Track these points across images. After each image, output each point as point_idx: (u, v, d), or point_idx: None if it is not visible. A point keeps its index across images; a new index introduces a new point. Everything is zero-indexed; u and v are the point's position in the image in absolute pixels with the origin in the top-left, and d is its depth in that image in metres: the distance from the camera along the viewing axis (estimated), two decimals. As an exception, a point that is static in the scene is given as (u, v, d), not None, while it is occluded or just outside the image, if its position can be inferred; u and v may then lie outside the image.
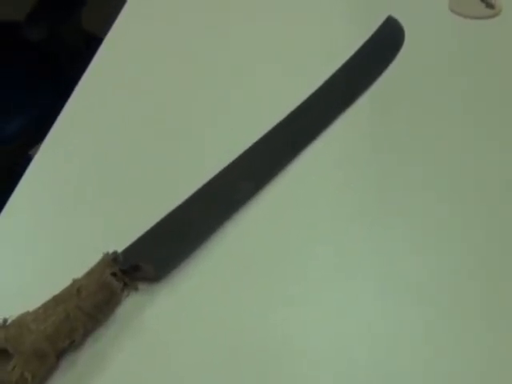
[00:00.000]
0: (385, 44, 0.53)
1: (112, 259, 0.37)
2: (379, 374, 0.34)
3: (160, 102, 0.50)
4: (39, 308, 0.34)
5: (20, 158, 0.90)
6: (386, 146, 0.46)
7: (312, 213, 0.42)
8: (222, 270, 0.39)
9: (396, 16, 0.55)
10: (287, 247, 0.40)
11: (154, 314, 0.37)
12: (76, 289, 0.35)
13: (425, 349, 0.35)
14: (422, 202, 0.42)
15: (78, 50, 0.90)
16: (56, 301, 0.34)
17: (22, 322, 0.33)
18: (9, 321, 0.33)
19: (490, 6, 0.56)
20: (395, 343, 0.35)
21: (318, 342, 0.36)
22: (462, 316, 0.36)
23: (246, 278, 0.39)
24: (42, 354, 0.33)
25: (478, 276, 0.38)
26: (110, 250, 0.37)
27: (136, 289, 0.37)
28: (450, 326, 0.36)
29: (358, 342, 0.35)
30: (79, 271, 0.36)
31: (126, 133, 0.48)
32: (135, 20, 0.58)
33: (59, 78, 0.89)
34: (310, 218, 0.41)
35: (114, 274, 0.36)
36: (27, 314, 0.34)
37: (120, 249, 0.38)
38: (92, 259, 0.37)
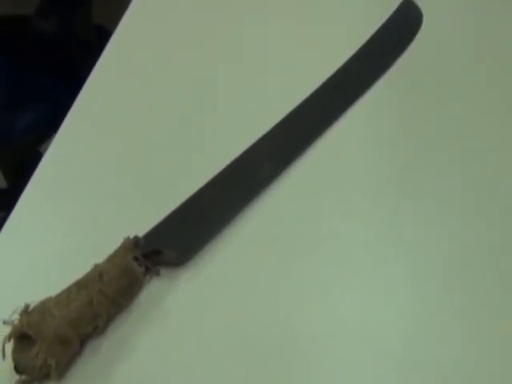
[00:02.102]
0: (403, 25, 0.52)
1: (133, 243, 0.36)
2: (411, 359, 0.33)
3: (173, 89, 0.49)
4: (61, 293, 0.34)
5: (30, 155, 0.90)
6: (406, 127, 0.45)
7: (337, 194, 0.41)
8: (245, 255, 0.38)
9: (413, -2, 0.54)
10: (311, 230, 0.39)
11: (177, 300, 0.36)
12: (98, 273, 0.34)
13: (458, 334, 0.34)
14: (449, 184, 0.41)
15: (89, 44, 0.90)
16: (78, 286, 0.34)
17: (44, 307, 0.33)
18: (31, 306, 0.33)
19: (509, -15, 0.55)
20: (427, 328, 0.34)
21: (347, 328, 0.35)
22: (495, 300, 0.35)
23: (270, 262, 0.38)
24: (65, 340, 0.32)
25: (508, 257, 0.37)
26: (131, 235, 0.37)
27: (158, 274, 0.37)
28: (483, 311, 0.35)
29: (388, 328, 0.35)
30: (100, 257, 0.35)
31: (141, 121, 0.47)
32: (145, 12, 0.58)
33: (70, 72, 0.88)
34: (334, 200, 0.41)
35: (135, 259, 0.36)
36: (50, 299, 0.33)
37: (141, 234, 0.37)
38: (113, 245, 0.36)
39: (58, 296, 0.33)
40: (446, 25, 0.53)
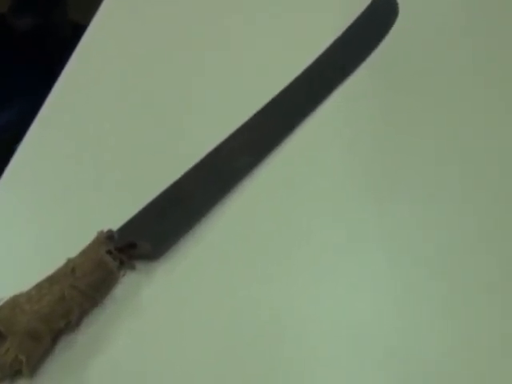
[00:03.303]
0: (378, 18, 0.52)
1: (107, 237, 0.35)
2: (394, 350, 0.33)
3: (148, 83, 0.48)
4: (33, 288, 0.33)
5: (6, 153, 0.88)
6: (382, 119, 0.45)
7: (315, 186, 0.41)
8: (221, 247, 0.38)
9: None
10: (290, 222, 0.39)
11: (152, 293, 0.36)
12: (70, 268, 0.34)
13: (442, 323, 0.34)
14: (432, 175, 0.41)
15: (65, 41, 0.89)
16: (50, 281, 0.33)
17: (15, 302, 0.32)
18: (1, 302, 0.32)
19: (485, -23, 0.55)
20: (410, 319, 0.34)
21: (327, 321, 0.34)
22: (476, 288, 0.35)
23: (247, 254, 0.37)
24: (36, 336, 0.31)
25: (490, 247, 0.37)
26: (105, 229, 0.36)
27: (133, 267, 0.36)
28: (465, 299, 0.35)
29: (372, 321, 0.34)
30: (73, 251, 0.35)
31: (116, 114, 0.46)
32: (119, 6, 0.57)
33: (47, 70, 0.87)
34: (312, 191, 0.40)
35: (109, 252, 0.35)
36: (20, 294, 0.32)
37: (115, 227, 0.37)
38: (86, 239, 0.35)
39: (30, 291, 0.33)
40: (421, 16, 0.53)
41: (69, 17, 0.92)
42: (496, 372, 0.33)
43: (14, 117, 0.89)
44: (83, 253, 0.35)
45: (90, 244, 0.35)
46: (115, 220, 0.37)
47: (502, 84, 0.47)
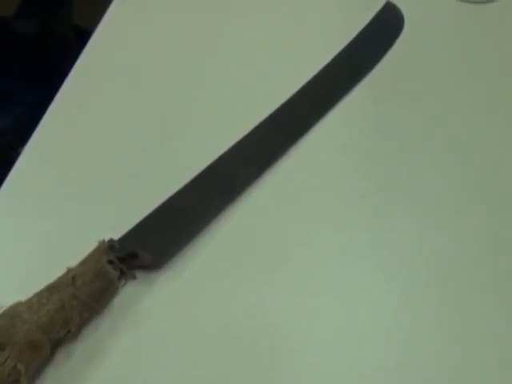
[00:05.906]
0: (384, 29, 0.52)
1: (108, 246, 0.35)
2: (390, 361, 0.33)
3: (152, 91, 0.48)
4: (33, 297, 0.33)
5: (10, 157, 0.88)
6: (385, 132, 0.45)
7: (314, 199, 0.41)
8: (222, 258, 0.38)
9: (394, 1, 0.54)
10: (289, 234, 0.39)
11: (153, 303, 0.36)
12: (71, 277, 0.33)
13: (439, 336, 0.34)
14: (427, 186, 0.41)
15: (69, 45, 0.89)
16: (50, 290, 0.33)
17: (14, 312, 0.32)
18: (0, 311, 0.32)
19: (490, -10, 0.55)
20: (407, 331, 0.34)
21: (324, 330, 0.34)
22: (473, 300, 0.35)
23: (247, 265, 0.37)
24: (35, 345, 0.31)
25: (484, 257, 0.37)
26: (106, 238, 0.36)
27: (134, 277, 0.36)
28: (463, 311, 0.35)
29: (366, 331, 0.34)
30: (74, 260, 0.35)
31: (119, 123, 0.46)
32: (125, 12, 0.57)
33: (50, 73, 0.87)
34: (312, 203, 0.40)
35: (110, 262, 0.35)
36: (20, 303, 0.32)
37: (117, 237, 0.37)
38: (87, 248, 0.35)
39: (29, 300, 0.32)
40: (427, 28, 0.53)
41: (73, 21, 0.92)
42: (493, 380, 0.33)
43: (15, 120, 0.89)
44: (84, 262, 0.35)
45: (91, 253, 0.35)
46: (117, 229, 0.37)
47: (504, 96, 0.47)
